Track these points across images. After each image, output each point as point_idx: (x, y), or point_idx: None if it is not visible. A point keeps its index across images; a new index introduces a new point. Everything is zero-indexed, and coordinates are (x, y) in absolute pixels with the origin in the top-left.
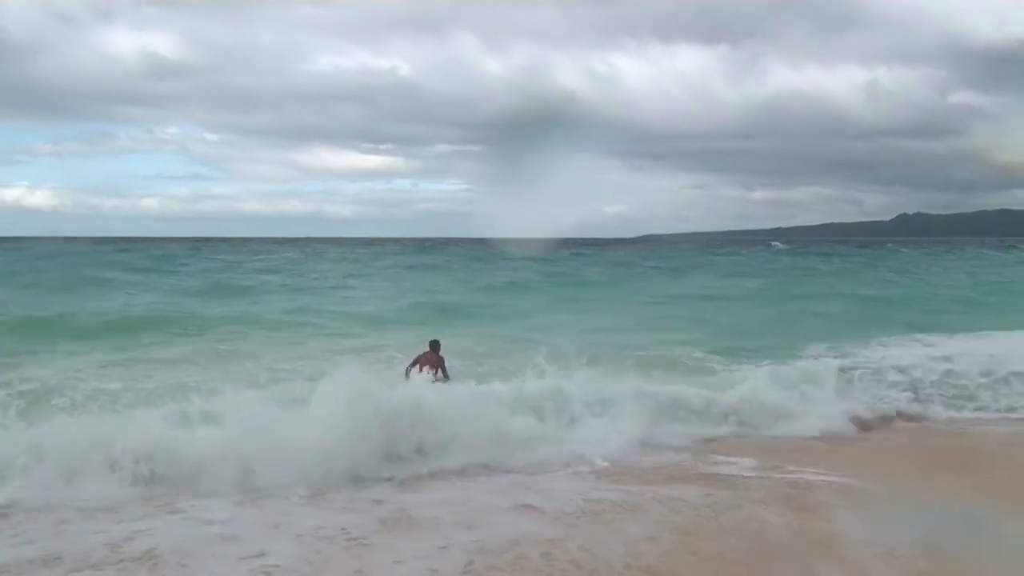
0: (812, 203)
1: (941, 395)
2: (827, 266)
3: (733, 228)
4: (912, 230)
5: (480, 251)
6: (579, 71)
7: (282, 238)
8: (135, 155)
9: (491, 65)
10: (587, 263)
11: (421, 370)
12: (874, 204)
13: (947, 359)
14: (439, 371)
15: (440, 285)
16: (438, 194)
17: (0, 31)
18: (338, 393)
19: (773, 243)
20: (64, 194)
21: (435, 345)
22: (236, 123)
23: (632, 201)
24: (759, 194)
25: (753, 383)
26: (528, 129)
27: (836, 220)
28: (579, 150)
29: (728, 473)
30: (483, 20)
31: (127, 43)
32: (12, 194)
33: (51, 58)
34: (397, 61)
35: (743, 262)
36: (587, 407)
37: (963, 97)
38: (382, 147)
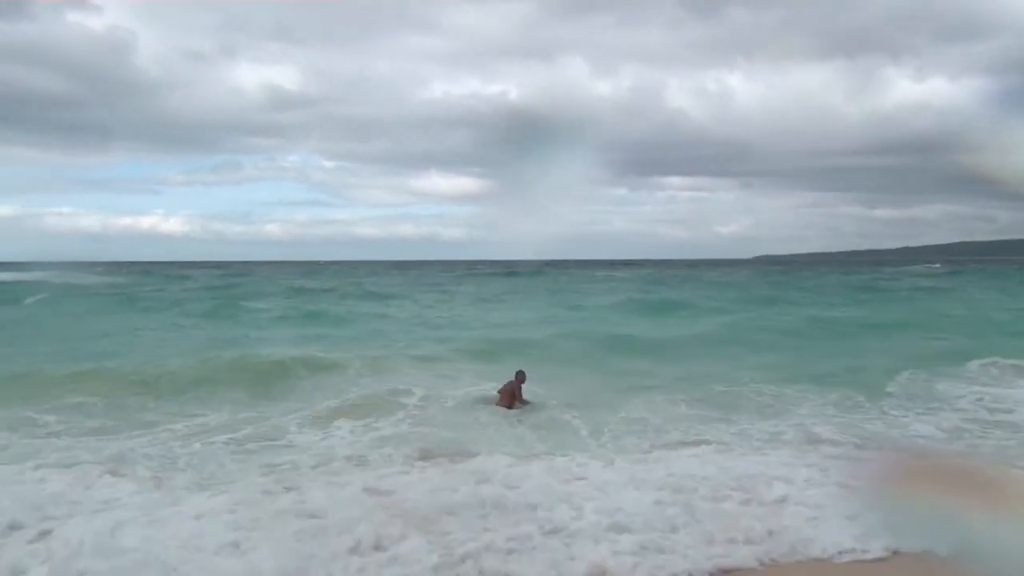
0: (940, 221)
1: None
2: None
3: (854, 248)
4: None
5: (590, 275)
6: (688, 91)
7: (397, 261)
8: (258, 183)
9: (600, 87)
10: (703, 285)
11: (500, 402)
12: (1008, 221)
13: None
14: (516, 402)
15: (591, 313)
16: None
17: (138, 71)
18: None
19: (929, 264)
20: (194, 221)
21: (521, 376)
22: (353, 151)
23: (747, 221)
24: (881, 212)
25: None
26: (638, 150)
27: (968, 239)
28: (690, 171)
29: None
30: (591, 43)
31: (251, 77)
32: (148, 221)
33: (183, 94)
34: (506, 86)
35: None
36: None
37: None
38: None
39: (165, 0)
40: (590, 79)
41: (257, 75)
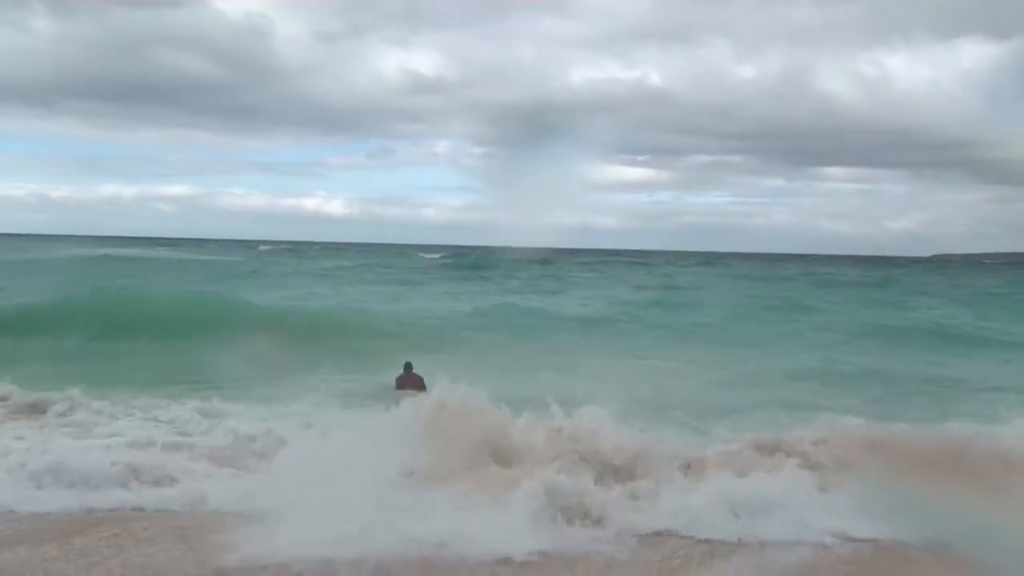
0: None
1: None
2: None
3: None
4: None
5: (765, 267)
6: (842, 74)
7: (548, 248)
8: (412, 168)
9: (744, 71)
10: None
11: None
12: None
13: None
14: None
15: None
16: (702, 207)
17: (273, 55)
18: None
19: None
20: (355, 204)
21: (408, 366)
22: (498, 137)
23: (921, 216)
24: None
25: None
26: (791, 138)
27: None
28: (848, 160)
29: None
30: (734, 24)
31: (392, 63)
32: (312, 203)
33: (326, 80)
34: (646, 70)
35: None
36: None
37: None
38: (639, 159)
39: None
40: (733, 62)
41: (399, 61)
